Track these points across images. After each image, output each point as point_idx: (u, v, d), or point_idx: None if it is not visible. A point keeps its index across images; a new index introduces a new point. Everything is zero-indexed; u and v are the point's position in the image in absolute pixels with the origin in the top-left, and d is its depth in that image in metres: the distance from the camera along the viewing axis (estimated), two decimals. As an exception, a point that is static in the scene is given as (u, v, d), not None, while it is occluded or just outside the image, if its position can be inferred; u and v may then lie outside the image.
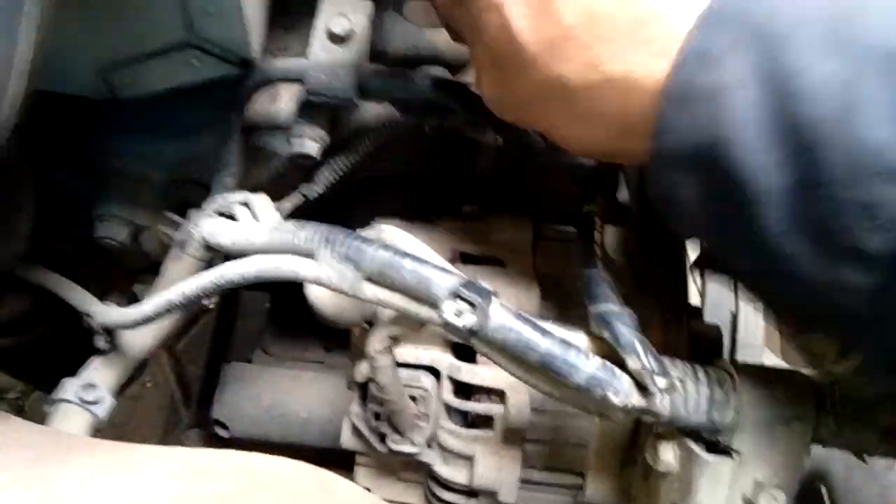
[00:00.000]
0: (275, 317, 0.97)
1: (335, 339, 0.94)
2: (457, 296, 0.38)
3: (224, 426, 0.85)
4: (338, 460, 0.61)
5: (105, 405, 0.56)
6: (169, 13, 0.41)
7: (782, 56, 0.28)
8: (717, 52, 0.29)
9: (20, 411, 1.52)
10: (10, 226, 0.51)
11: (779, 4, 0.29)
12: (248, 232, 0.47)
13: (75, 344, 0.75)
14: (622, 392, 0.38)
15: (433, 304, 0.39)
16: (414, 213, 0.72)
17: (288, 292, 0.99)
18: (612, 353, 0.40)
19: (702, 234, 0.37)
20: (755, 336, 0.61)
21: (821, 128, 0.26)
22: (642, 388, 0.38)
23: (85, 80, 0.47)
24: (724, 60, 0.29)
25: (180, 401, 1.68)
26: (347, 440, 0.58)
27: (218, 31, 0.43)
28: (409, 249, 0.42)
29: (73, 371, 0.60)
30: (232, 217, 0.53)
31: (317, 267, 0.43)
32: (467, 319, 0.37)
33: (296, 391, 0.87)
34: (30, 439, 0.38)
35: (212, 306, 0.64)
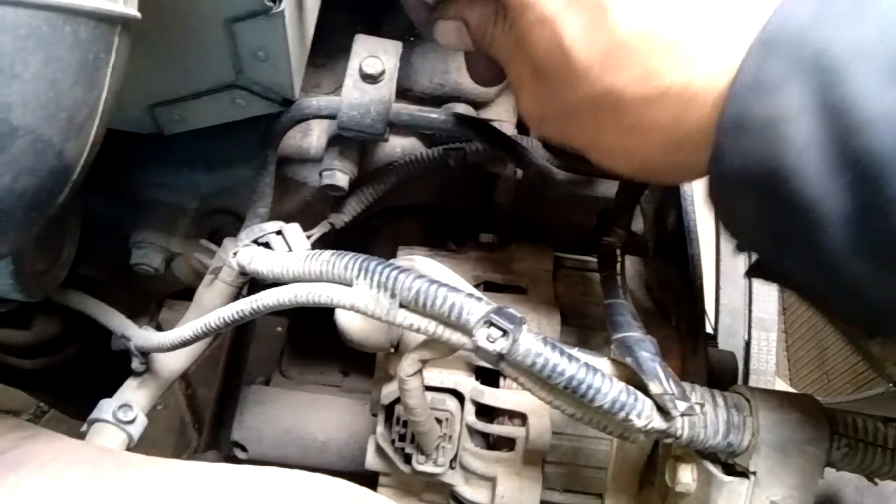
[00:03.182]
0: (292, 341, 0.99)
1: (352, 363, 0.96)
2: (489, 322, 0.40)
3: (243, 448, 0.87)
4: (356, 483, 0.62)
5: (139, 425, 0.58)
6: (220, 57, 0.43)
7: (841, 87, 0.28)
8: (773, 81, 0.29)
9: (33, 432, 1.53)
10: (57, 253, 0.54)
11: (835, 33, 0.28)
12: (285, 261, 0.49)
13: (98, 365, 0.76)
14: (644, 415, 0.40)
15: (466, 330, 0.41)
16: (433, 242, 0.75)
17: (305, 317, 1.01)
18: (633, 378, 0.42)
19: (761, 249, 0.37)
20: (767, 363, 0.63)
21: (883, 158, 0.27)
22: (663, 412, 0.41)
23: (134, 116, 0.50)
24: (781, 89, 0.29)
25: (190, 423, 1.69)
26: (372, 461, 0.59)
27: (265, 75, 0.45)
28: (441, 278, 0.44)
29: (93, 391, 0.62)
30: (267, 245, 0.55)
31: (352, 294, 0.45)
32: (499, 345, 0.40)
33: (314, 414, 0.88)
34: (83, 455, 0.40)
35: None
